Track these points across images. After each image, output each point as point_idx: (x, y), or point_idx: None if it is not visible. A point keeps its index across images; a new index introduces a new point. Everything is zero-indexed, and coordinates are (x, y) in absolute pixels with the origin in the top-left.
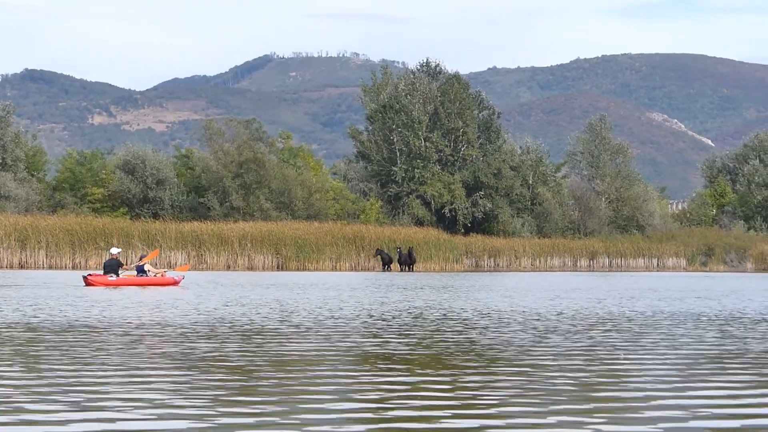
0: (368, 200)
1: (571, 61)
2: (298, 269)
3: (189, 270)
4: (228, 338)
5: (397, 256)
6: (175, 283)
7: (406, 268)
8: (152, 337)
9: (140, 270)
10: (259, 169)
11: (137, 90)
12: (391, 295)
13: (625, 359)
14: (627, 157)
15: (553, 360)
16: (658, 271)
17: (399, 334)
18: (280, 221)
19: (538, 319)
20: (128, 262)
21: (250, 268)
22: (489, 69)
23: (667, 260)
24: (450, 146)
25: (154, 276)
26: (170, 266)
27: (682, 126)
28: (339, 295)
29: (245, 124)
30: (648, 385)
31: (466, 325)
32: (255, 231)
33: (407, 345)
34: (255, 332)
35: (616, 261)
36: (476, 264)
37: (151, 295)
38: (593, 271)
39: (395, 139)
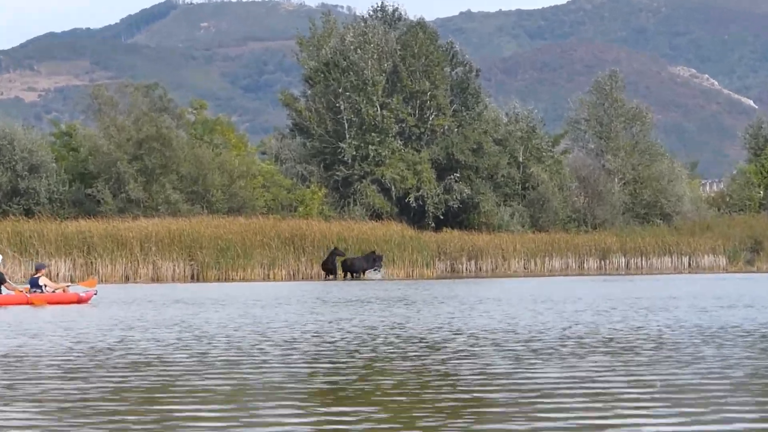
0: (309, 187)
1: (568, 1)
2: (218, 279)
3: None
4: (110, 372)
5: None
6: (81, 300)
7: (351, 275)
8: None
9: (34, 284)
10: (164, 150)
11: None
12: (337, 312)
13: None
14: (646, 124)
15: (541, 395)
16: (690, 272)
17: (336, 366)
18: (194, 217)
19: (515, 341)
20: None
21: (156, 279)
22: (462, 13)
23: (701, 258)
24: (414, 115)
25: (53, 292)
26: (65, 279)
27: (715, 83)
28: (270, 312)
29: (144, 90)
30: None
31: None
32: (161, 230)
33: (345, 379)
34: (143, 365)
35: (634, 261)
36: (452, 268)
37: (41, 316)
38: (606, 274)
39: (342, 107)
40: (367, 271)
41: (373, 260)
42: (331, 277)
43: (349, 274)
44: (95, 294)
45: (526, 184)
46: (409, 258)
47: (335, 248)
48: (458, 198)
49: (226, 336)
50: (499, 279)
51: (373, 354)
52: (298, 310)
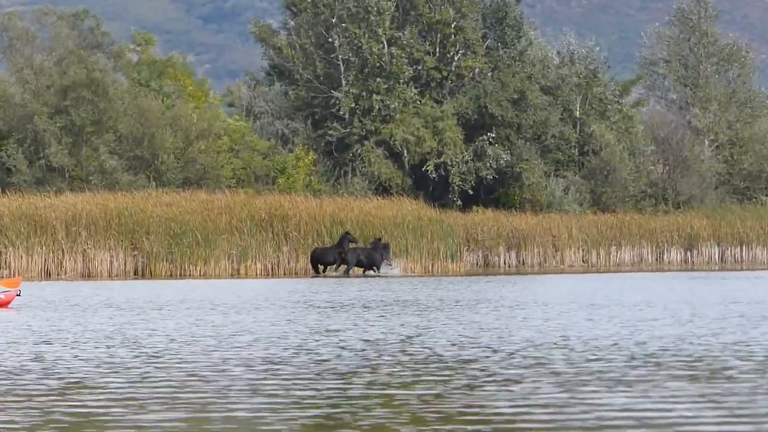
0: (292, 152)
1: None
2: (171, 275)
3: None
4: (23, 402)
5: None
6: (1, 304)
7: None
8: None
9: None
10: (96, 101)
11: None
12: (328, 321)
13: None
14: (746, 67)
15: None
16: None
17: (326, 395)
18: (138, 191)
19: (569, 362)
20: None
21: (87, 275)
22: None
23: None
24: (434, 54)
25: None
26: None
27: None
28: (237, 321)
29: (71, 20)
30: None
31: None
32: (94, 209)
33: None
34: (64, 392)
35: (731, 251)
36: (485, 261)
37: None
38: (693, 269)
39: (337, 43)
40: (377, 266)
41: (372, 251)
42: (335, 271)
43: (322, 268)
44: (18, 295)
45: (585, 148)
46: (427, 247)
47: (347, 233)
48: (493, 166)
49: (176, 353)
50: (548, 276)
51: (375, 377)
52: (276, 317)
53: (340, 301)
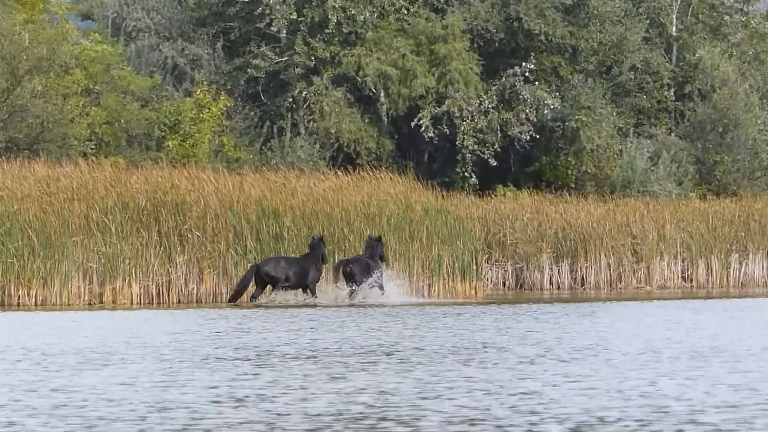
0: (191, 96)
1: None
2: None
3: None
4: None
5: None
6: None
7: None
8: None
9: None
10: None
11: None
12: (241, 382)
13: None
14: None
15: None
16: None
17: None
18: None
19: None
20: None
21: None
22: None
23: None
24: None
25: None
26: None
27: None
28: (74, 385)
29: None
30: None
31: None
32: None
33: None
34: None
35: None
36: (519, 279)
37: None
38: None
39: None
40: (362, 282)
41: (358, 262)
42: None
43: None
44: None
45: (687, 89)
46: (421, 256)
47: (321, 238)
48: (532, 119)
49: None
50: (624, 303)
51: None
52: (142, 377)
53: (272, 347)
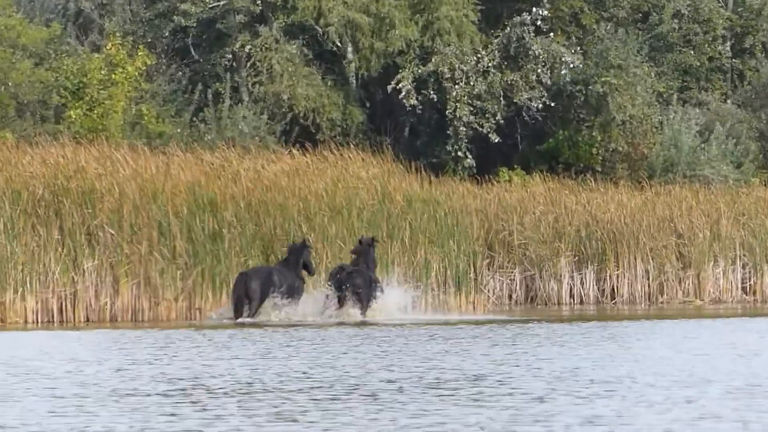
0: (100, 51)
1: None
2: None
3: None
4: None
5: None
6: None
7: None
8: None
9: None
10: None
11: None
12: None
13: None
14: None
15: None
16: None
17: None
18: None
19: None
20: None
21: None
22: None
23: None
24: None
25: None
26: None
27: None
28: None
29: None
30: None
31: None
32: None
33: None
34: None
35: None
36: (529, 291)
37: None
38: None
39: None
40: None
41: (350, 275)
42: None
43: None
44: None
45: (747, 44)
46: (406, 259)
47: (305, 240)
48: (545, 81)
49: None
50: (669, 321)
51: None
52: (28, 418)
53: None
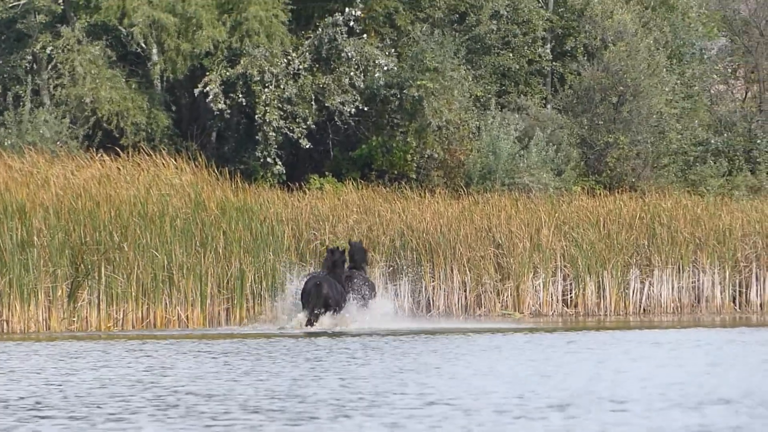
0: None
1: None
2: None
3: None
4: None
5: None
6: None
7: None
8: None
9: None
10: None
11: None
12: None
13: None
14: None
15: None
16: None
17: None
18: None
19: None
20: None
21: None
22: None
23: None
24: None
25: None
26: None
27: None
28: None
29: None
30: None
31: None
32: None
33: None
34: None
35: None
36: (477, 300)
37: None
38: None
39: None
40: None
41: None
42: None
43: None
44: None
45: (568, 46)
46: (220, 269)
47: (337, 248)
48: (358, 86)
49: None
50: (478, 335)
51: None
52: None
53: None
